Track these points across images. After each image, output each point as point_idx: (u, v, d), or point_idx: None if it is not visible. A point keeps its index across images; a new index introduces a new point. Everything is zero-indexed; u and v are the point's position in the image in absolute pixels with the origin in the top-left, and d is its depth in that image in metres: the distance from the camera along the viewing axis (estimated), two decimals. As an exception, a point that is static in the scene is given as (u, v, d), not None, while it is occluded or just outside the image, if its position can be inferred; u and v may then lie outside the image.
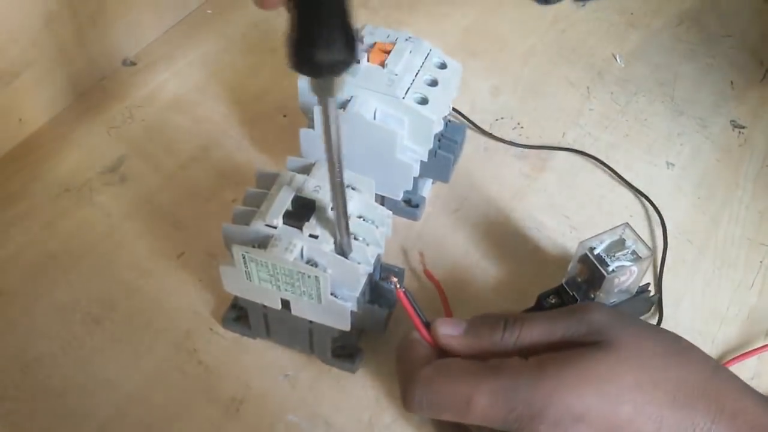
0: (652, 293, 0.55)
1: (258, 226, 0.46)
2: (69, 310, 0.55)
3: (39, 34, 0.62)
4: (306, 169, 0.49)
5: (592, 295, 0.51)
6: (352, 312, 0.47)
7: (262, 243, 0.45)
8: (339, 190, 0.42)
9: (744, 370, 0.54)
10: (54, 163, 0.64)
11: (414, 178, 0.58)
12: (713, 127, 0.71)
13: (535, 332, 0.40)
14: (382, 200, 0.61)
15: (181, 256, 0.58)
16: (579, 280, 0.52)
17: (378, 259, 0.50)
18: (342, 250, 0.46)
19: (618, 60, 0.77)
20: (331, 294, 0.46)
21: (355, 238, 0.47)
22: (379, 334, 0.52)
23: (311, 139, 0.57)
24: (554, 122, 0.70)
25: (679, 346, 0.40)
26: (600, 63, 0.77)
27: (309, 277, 0.44)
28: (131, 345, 0.53)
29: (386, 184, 0.59)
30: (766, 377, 0.54)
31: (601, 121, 0.71)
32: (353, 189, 0.49)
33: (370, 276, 0.48)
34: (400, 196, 0.60)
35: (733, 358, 0.54)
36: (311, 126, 0.57)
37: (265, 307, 0.50)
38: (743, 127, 0.71)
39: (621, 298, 0.53)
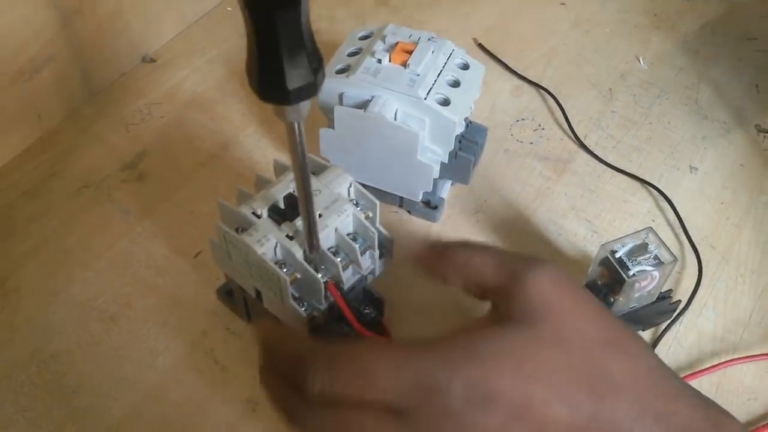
0: (674, 299, 0.55)
1: (245, 211, 0.46)
2: (86, 307, 0.55)
3: (59, 30, 0.62)
4: (318, 169, 0.49)
5: (612, 299, 0.50)
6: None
7: (244, 228, 0.45)
8: (306, 208, 0.41)
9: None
10: (72, 160, 0.64)
11: (433, 179, 0.57)
12: (737, 131, 0.70)
13: (487, 260, 0.39)
14: (400, 201, 0.61)
15: (198, 255, 0.58)
16: (599, 283, 0.52)
17: (361, 279, 0.49)
18: (310, 260, 0.45)
19: (641, 62, 0.76)
20: (298, 299, 0.46)
21: (335, 254, 0.46)
22: None
23: (330, 139, 0.57)
24: (576, 124, 0.69)
25: (614, 337, 0.36)
26: (623, 65, 0.76)
27: (272, 274, 0.44)
28: (148, 343, 0.53)
29: (405, 185, 0.58)
30: None
31: (623, 124, 0.70)
32: (356, 204, 0.48)
33: (343, 293, 0.46)
34: (419, 198, 0.59)
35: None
36: (331, 126, 0.56)
37: (243, 290, 0.50)
38: (768, 132, 0.70)
39: (641, 302, 0.52)
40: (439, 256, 0.41)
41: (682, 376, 0.53)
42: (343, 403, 0.36)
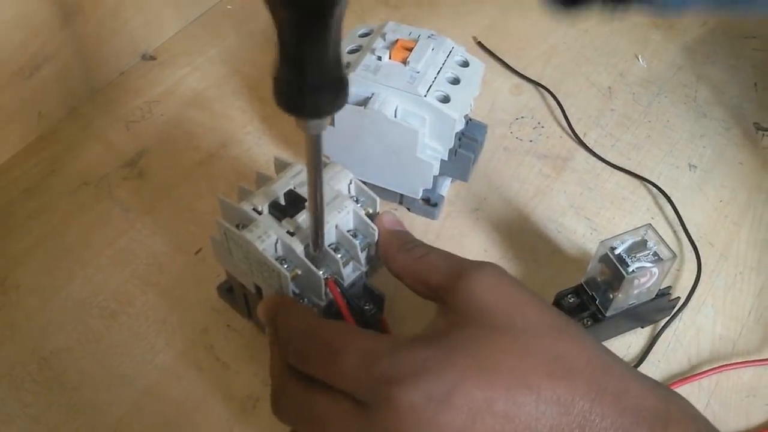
0: (673, 296, 0.55)
1: (246, 207, 0.46)
2: (86, 304, 0.55)
3: (59, 28, 0.63)
4: None
5: (611, 296, 0.51)
6: None
7: (245, 224, 0.46)
8: (316, 210, 0.42)
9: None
10: (73, 157, 0.65)
11: (433, 176, 0.57)
12: (736, 129, 0.70)
13: (439, 258, 0.42)
14: (400, 198, 0.61)
15: (198, 252, 0.58)
16: (599, 280, 0.52)
17: (361, 276, 0.49)
18: (312, 258, 0.45)
19: (640, 61, 0.77)
20: (298, 295, 0.46)
21: (335, 250, 0.46)
22: None
23: (330, 136, 0.57)
24: (576, 122, 0.69)
25: (562, 325, 0.38)
26: (622, 63, 0.76)
27: (273, 270, 0.44)
28: (148, 340, 0.53)
29: (405, 182, 0.58)
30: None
31: (622, 122, 0.70)
32: (357, 201, 0.49)
33: (342, 290, 0.47)
34: (419, 195, 0.59)
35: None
36: (331, 123, 0.56)
37: (244, 287, 0.50)
38: (766, 130, 0.70)
39: (641, 299, 0.52)
40: (399, 247, 0.44)
41: (681, 376, 0.53)
42: (315, 387, 0.37)
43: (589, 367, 0.35)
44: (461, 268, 0.40)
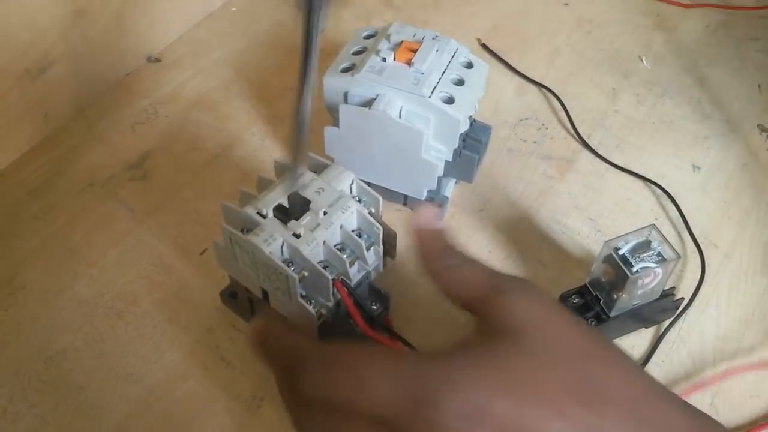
0: (677, 297, 0.55)
1: (250, 212, 0.46)
2: (91, 304, 0.55)
3: (66, 30, 0.63)
4: (320, 168, 0.49)
5: (615, 296, 0.51)
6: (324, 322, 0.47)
7: (250, 229, 0.46)
8: (304, 87, 0.40)
9: None
10: (78, 158, 0.65)
11: (438, 177, 0.57)
12: (740, 130, 0.70)
13: (476, 270, 0.40)
14: (405, 199, 0.61)
15: (203, 253, 0.58)
16: (603, 280, 0.52)
17: (366, 275, 0.49)
18: (290, 165, 0.44)
19: (644, 62, 0.77)
20: (305, 297, 0.46)
21: (341, 250, 0.46)
22: None
23: (335, 137, 0.57)
24: (579, 123, 0.69)
25: (598, 349, 0.37)
26: (626, 65, 0.76)
27: (281, 273, 0.44)
28: (153, 340, 0.53)
29: (410, 183, 0.59)
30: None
31: (626, 123, 0.70)
32: (359, 201, 0.49)
33: (350, 290, 0.47)
34: (423, 196, 0.59)
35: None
36: (335, 124, 0.56)
37: (249, 291, 0.50)
38: (771, 131, 0.71)
39: (645, 300, 0.52)
40: (438, 252, 0.42)
41: (685, 377, 0.53)
42: (337, 409, 0.36)
43: (623, 393, 0.34)
44: (497, 283, 0.39)
